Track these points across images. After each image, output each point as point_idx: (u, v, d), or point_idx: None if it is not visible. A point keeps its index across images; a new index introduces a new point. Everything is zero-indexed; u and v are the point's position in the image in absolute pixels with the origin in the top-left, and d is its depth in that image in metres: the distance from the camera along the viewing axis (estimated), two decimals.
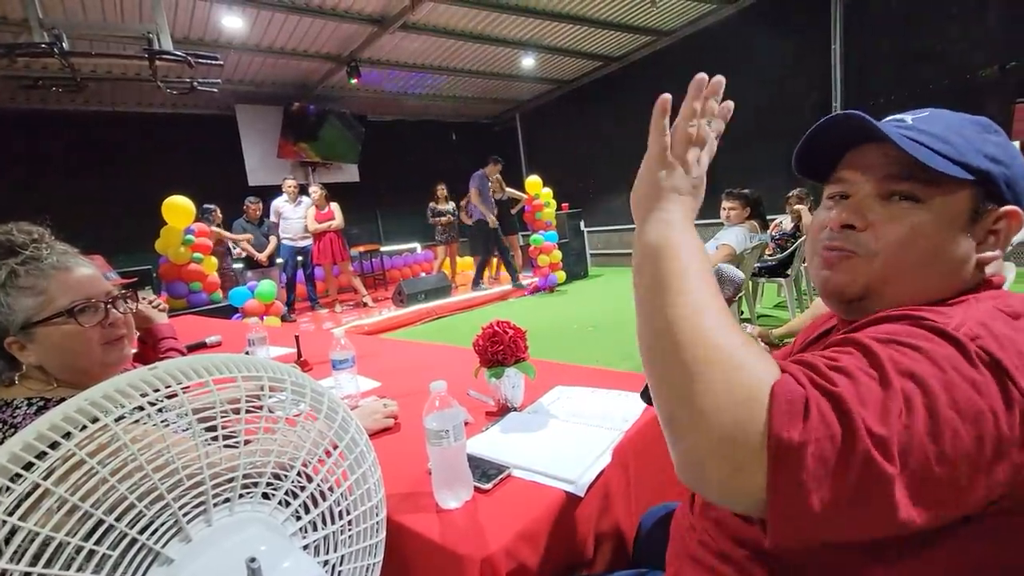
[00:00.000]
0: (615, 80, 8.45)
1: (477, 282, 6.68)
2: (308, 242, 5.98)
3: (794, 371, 0.40)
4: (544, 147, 10.32)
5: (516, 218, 7.21)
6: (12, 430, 0.69)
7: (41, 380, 0.79)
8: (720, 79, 0.55)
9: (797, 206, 4.29)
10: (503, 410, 1.13)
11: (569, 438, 0.98)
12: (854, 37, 5.71)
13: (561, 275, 6.91)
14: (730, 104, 0.57)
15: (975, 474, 0.37)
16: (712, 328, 0.43)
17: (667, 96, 0.53)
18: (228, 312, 4.93)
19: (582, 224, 7.94)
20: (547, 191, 6.86)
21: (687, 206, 0.53)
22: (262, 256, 5.62)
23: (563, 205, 7.51)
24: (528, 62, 7.67)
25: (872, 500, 0.36)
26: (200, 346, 2.16)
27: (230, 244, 5.71)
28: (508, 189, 7.05)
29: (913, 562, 0.42)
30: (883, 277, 0.53)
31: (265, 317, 5.03)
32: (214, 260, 5.29)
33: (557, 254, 6.83)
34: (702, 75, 0.53)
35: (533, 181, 6.79)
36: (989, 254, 0.51)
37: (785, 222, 4.33)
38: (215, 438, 0.58)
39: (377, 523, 0.70)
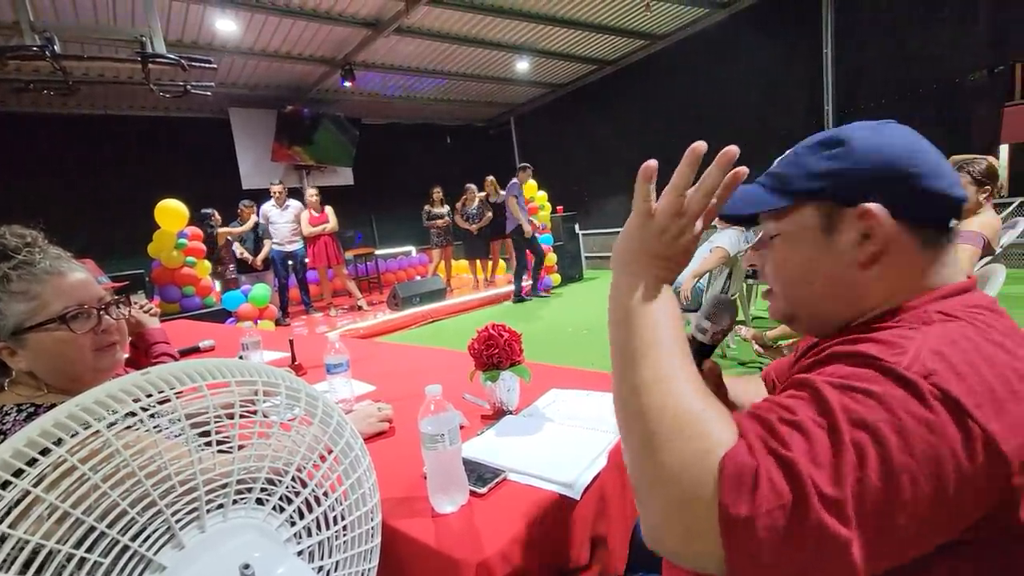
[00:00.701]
0: (609, 83, 8.50)
1: (519, 294, 6.44)
2: (297, 246, 5.95)
3: (748, 433, 0.41)
4: (539, 150, 10.34)
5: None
6: (1, 437, 0.68)
7: (31, 386, 0.78)
8: (734, 150, 0.49)
9: None
10: (499, 413, 1.13)
11: (565, 441, 0.98)
12: (845, 41, 5.77)
13: (556, 278, 6.92)
14: (738, 179, 0.52)
15: (939, 513, 0.37)
16: (674, 397, 0.44)
17: (653, 163, 0.52)
18: (222, 316, 4.91)
19: (577, 227, 7.96)
20: (542, 194, 6.88)
21: (665, 270, 0.53)
22: (256, 260, 5.59)
23: (558, 208, 7.54)
24: (523, 66, 7.70)
25: (830, 563, 0.36)
26: (193, 351, 2.15)
27: (234, 242, 5.67)
28: (503, 192, 7.06)
29: None
30: (789, 306, 0.59)
31: (259, 321, 5.01)
32: (207, 264, 5.26)
33: (552, 257, 6.84)
34: (701, 144, 0.49)
35: (528, 184, 6.80)
36: (867, 253, 0.51)
37: None
38: (209, 443, 0.58)
39: (372, 528, 0.69)
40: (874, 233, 0.50)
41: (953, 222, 0.51)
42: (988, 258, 2.15)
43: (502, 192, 7.04)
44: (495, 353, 1.09)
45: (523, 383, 1.14)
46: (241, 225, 5.66)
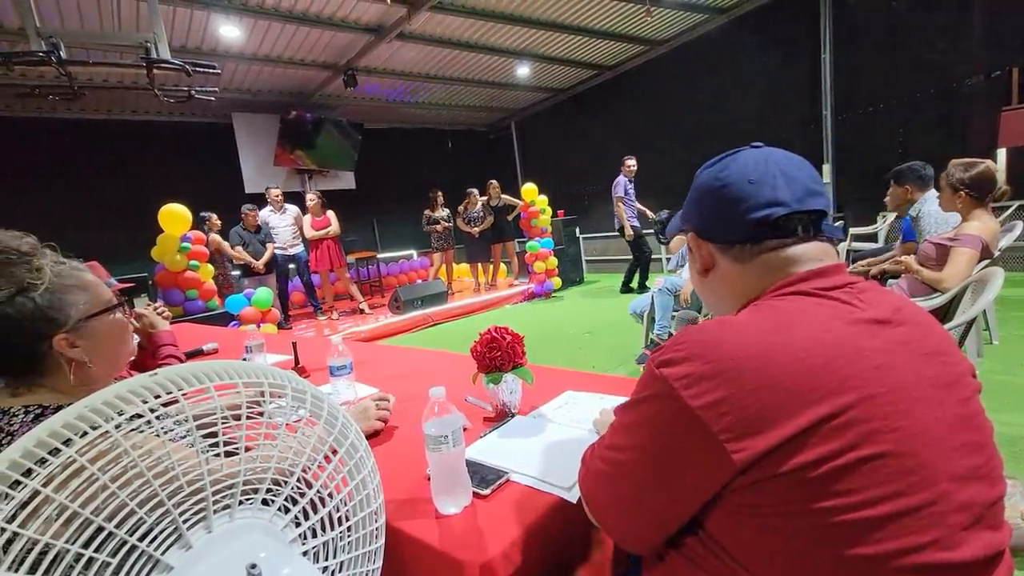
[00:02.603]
0: (609, 88, 8.54)
1: (634, 283, 6.20)
2: (299, 249, 5.97)
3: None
4: (540, 154, 10.38)
5: (512, 224, 7.24)
6: (9, 437, 0.68)
7: (54, 391, 0.78)
8: None
9: None
10: (501, 415, 1.13)
11: (568, 444, 0.98)
12: (844, 46, 5.80)
13: (557, 281, 6.93)
14: None
15: (659, 455, 0.53)
16: None
17: None
18: (224, 319, 4.92)
19: (577, 230, 7.98)
20: (543, 198, 6.89)
21: None
22: (259, 264, 5.60)
23: (559, 212, 7.55)
24: (523, 71, 7.74)
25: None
26: (197, 353, 2.15)
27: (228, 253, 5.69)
28: (504, 196, 7.08)
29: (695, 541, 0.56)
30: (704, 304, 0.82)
31: (261, 325, 5.02)
32: (210, 267, 5.27)
33: (553, 260, 6.85)
34: None
35: (529, 188, 6.82)
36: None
37: None
38: (215, 444, 0.58)
39: (376, 529, 0.70)
40: (696, 253, 0.66)
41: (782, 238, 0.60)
42: (986, 261, 2.16)
43: (504, 196, 7.06)
44: (498, 355, 1.09)
45: (525, 385, 1.15)
46: (244, 229, 5.67)
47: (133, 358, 1.46)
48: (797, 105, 6.26)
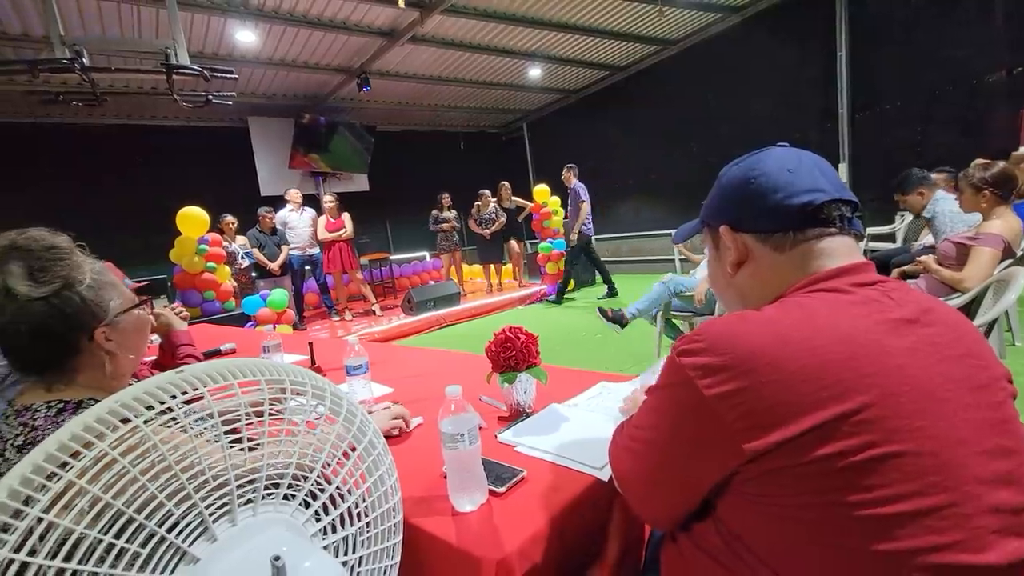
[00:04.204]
0: (621, 89, 8.51)
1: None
2: (316, 250, 6.05)
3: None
4: (551, 155, 10.35)
5: (523, 225, 7.24)
6: (32, 432, 0.70)
7: (87, 386, 0.80)
8: None
9: None
10: (515, 415, 1.14)
11: (600, 428, 1.02)
12: (860, 44, 5.71)
13: (569, 282, 6.92)
14: None
15: (676, 437, 0.56)
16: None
17: None
18: (241, 320, 4.99)
19: None
20: (555, 199, 6.89)
21: None
22: (274, 265, 5.68)
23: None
24: (535, 72, 7.75)
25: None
26: (215, 353, 2.19)
27: (238, 255, 5.77)
28: (514, 197, 7.10)
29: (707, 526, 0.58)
30: (720, 301, 0.78)
31: (276, 325, 5.09)
32: (227, 269, 5.35)
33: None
34: None
35: (541, 189, 6.82)
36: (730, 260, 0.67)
37: None
38: (238, 440, 0.60)
39: (394, 525, 0.71)
40: (731, 246, 0.65)
41: (813, 228, 0.60)
42: (1009, 260, 2.12)
43: (515, 198, 7.08)
44: (512, 355, 1.10)
45: (539, 385, 1.15)
46: (259, 231, 5.75)
47: (153, 358, 1.50)
48: (813, 104, 6.18)
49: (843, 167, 5.98)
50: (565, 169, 6.22)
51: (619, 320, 3.37)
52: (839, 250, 0.60)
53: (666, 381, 0.57)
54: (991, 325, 1.72)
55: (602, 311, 3.51)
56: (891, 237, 4.90)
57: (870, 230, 5.08)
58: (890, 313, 0.54)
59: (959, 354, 0.53)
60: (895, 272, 2.74)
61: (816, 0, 5.91)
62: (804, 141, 6.33)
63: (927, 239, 3.14)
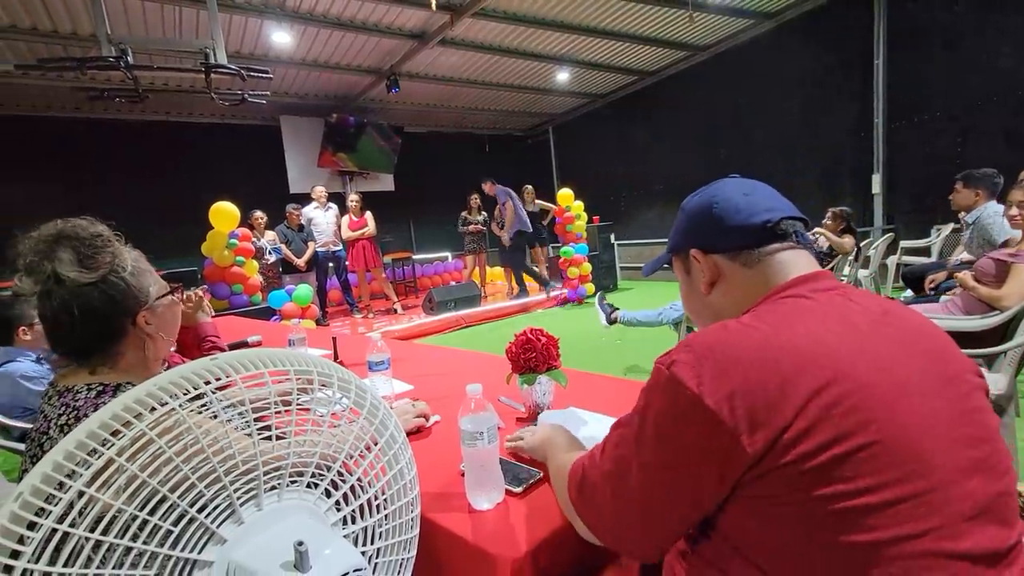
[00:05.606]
0: (648, 94, 8.44)
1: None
2: (340, 247, 6.16)
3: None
4: (576, 160, 10.35)
5: (547, 229, 7.24)
6: (74, 412, 0.73)
7: (125, 371, 0.84)
8: None
9: (817, 229, 4.11)
10: (534, 416, 1.14)
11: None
12: (897, 51, 5.54)
13: (590, 287, 6.88)
14: None
15: (667, 439, 0.55)
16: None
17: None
18: (267, 314, 5.11)
19: (612, 237, 7.90)
20: (579, 203, 6.86)
21: None
22: (300, 261, 5.80)
23: (594, 218, 7.50)
24: (563, 76, 7.74)
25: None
26: (242, 344, 2.25)
27: (266, 251, 5.90)
28: (538, 200, 7.10)
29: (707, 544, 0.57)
30: (694, 322, 0.81)
31: (301, 320, 5.19)
32: (255, 264, 5.49)
33: (587, 266, 6.81)
34: None
35: (565, 193, 6.81)
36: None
37: (820, 240, 4.19)
38: (266, 427, 0.62)
39: (412, 519, 0.72)
40: (703, 267, 0.69)
41: (778, 243, 0.65)
42: None
43: (539, 201, 7.08)
44: (532, 357, 1.10)
45: (558, 387, 1.15)
46: (287, 228, 5.88)
47: (174, 349, 1.55)
48: (847, 112, 6.02)
49: (876, 177, 5.81)
50: (486, 184, 6.65)
51: (610, 316, 3.48)
52: (799, 261, 0.65)
53: (656, 396, 0.56)
54: None
55: (602, 298, 3.68)
56: (926, 251, 4.75)
57: (903, 244, 4.93)
58: (855, 314, 0.57)
59: (924, 349, 0.56)
60: (929, 284, 2.66)
61: (853, 6, 5.77)
62: (838, 150, 6.17)
63: (963, 255, 3.04)
